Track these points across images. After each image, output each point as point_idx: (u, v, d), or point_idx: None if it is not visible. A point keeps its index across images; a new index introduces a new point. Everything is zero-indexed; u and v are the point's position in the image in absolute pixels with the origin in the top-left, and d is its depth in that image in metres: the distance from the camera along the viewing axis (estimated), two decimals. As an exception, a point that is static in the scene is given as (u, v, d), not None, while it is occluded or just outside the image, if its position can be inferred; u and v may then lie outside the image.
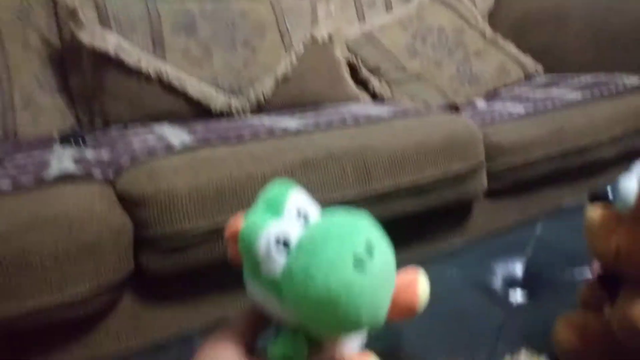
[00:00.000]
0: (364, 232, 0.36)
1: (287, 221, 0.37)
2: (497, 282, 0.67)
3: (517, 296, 0.65)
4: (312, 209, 0.39)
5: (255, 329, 0.40)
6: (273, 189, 0.39)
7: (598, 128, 1.35)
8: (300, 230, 0.37)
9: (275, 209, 0.37)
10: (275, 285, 0.36)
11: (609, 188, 0.44)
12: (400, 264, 0.45)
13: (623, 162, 1.17)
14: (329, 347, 0.42)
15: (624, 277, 0.42)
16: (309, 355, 0.40)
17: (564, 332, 0.45)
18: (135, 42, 1.30)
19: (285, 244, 0.36)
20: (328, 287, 0.33)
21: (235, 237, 0.38)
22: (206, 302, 0.96)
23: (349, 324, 0.35)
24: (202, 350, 0.38)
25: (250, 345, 0.39)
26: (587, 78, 1.65)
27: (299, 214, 0.38)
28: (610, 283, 0.43)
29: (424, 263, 0.71)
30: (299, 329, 0.39)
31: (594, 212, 0.44)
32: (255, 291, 0.39)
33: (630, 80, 1.52)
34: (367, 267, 0.34)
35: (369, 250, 0.35)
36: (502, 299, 0.63)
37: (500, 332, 0.53)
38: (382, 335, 0.47)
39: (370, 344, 0.46)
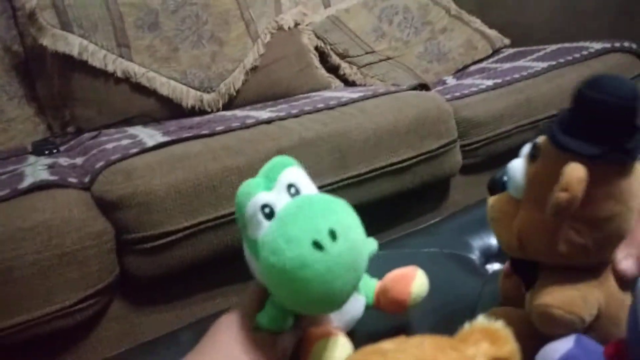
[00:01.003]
0: (334, 215, 0.38)
1: (276, 193, 0.40)
2: (475, 254, 0.69)
3: (494, 266, 0.67)
4: (306, 186, 0.42)
5: (259, 304, 0.42)
6: (271, 162, 0.42)
7: (565, 95, 1.37)
8: (286, 203, 0.40)
9: (269, 180, 0.41)
10: (255, 249, 0.39)
11: (504, 175, 0.42)
12: (379, 244, 0.47)
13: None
14: (312, 320, 0.44)
15: (539, 264, 0.41)
16: (296, 326, 0.42)
17: None
18: (99, 43, 1.28)
19: (271, 213, 0.39)
20: (285, 258, 0.36)
21: None
22: (196, 301, 0.96)
23: (302, 299, 0.37)
24: (207, 335, 0.41)
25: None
26: (552, 48, 1.68)
27: (289, 188, 0.41)
28: (524, 269, 0.42)
29: (401, 239, 0.73)
30: None
31: (495, 201, 0.43)
32: (246, 251, 0.42)
33: (595, 46, 1.54)
34: (325, 248, 0.36)
35: (332, 234, 0.36)
36: (480, 270, 0.65)
37: (478, 301, 0.55)
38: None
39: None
